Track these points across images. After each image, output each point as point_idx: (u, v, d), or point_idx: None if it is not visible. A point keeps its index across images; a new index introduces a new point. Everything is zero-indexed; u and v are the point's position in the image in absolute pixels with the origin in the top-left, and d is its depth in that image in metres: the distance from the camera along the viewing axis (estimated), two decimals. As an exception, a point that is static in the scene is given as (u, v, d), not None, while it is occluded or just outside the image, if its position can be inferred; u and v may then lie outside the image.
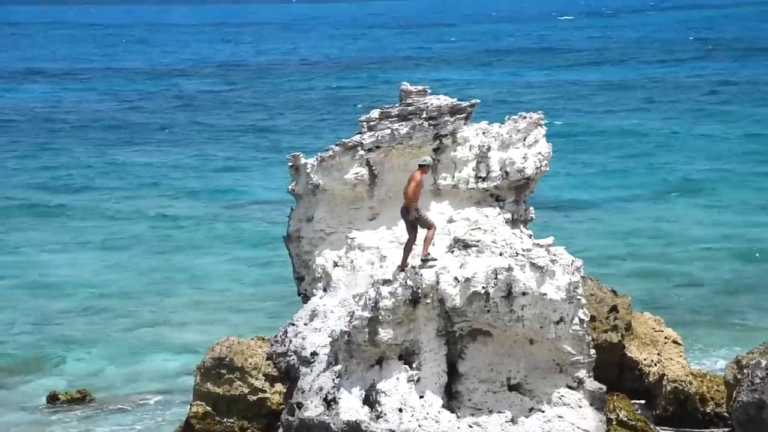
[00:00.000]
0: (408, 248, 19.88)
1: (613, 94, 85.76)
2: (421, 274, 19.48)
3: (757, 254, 38.85)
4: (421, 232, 20.05)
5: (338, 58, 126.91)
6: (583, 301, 19.73)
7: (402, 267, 19.80)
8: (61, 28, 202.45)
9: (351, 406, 19.48)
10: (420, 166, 20.06)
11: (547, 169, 22.37)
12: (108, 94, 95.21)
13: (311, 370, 20.43)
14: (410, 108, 21.94)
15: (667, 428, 23.87)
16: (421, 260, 19.73)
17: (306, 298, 22.34)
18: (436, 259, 19.77)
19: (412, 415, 19.17)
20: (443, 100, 22.15)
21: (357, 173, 21.83)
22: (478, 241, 20.18)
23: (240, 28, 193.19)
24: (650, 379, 24.59)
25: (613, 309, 24.56)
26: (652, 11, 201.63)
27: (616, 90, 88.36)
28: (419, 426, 19.09)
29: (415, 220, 19.85)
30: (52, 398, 27.25)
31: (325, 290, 21.61)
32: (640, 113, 74.87)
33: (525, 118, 22.41)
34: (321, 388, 19.97)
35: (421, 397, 19.40)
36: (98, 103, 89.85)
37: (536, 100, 79.21)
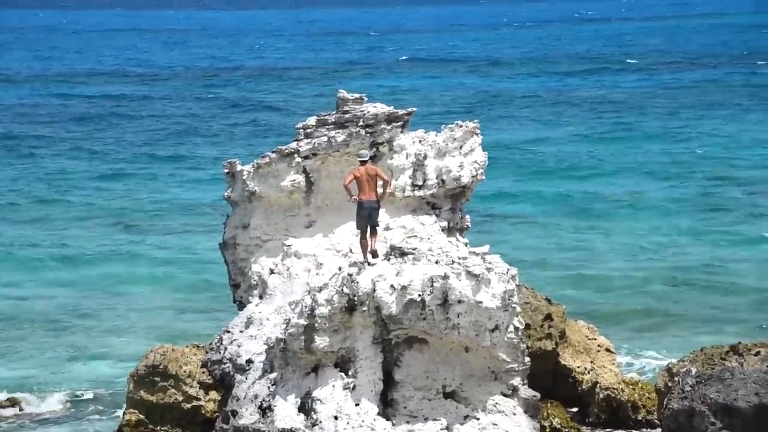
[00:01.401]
0: (365, 239, 20.15)
1: (544, 104, 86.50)
2: (358, 282, 19.49)
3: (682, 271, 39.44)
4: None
5: (270, 65, 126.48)
6: (518, 309, 19.87)
7: (367, 262, 20.02)
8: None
9: (286, 413, 19.43)
10: (364, 161, 20.29)
11: (483, 177, 22.52)
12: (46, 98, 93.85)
13: (246, 378, 20.33)
14: (347, 116, 21.97)
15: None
16: (373, 252, 20.06)
17: (242, 306, 22.24)
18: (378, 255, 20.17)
19: (348, 423, 19.17)
20: (380, 108, 22.20)
21: (293, 180, 21.79)
22: (415, 248, 20.25)
23: (177, 34, 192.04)
24: (583, 387, 24.83)
25: (548, 317, 24.77)
26: (589, 23, 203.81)
27: (546, 100, 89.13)
28: (354, 433, 19.08)
29: (376, 213, 20.14)
30: (-18, 406, 26.83)
31: (261, 297, 21.53)
32: (579, 124, 75.69)
33: (461, 126, 22.54)
34: (256, 396, 19.89)
35: (356, 404, 19.40)
36: (35, 106, 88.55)
37: (470, 108, 79.63)
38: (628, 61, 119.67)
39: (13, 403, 26.97)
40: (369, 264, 19.90)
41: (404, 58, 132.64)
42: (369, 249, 20.13)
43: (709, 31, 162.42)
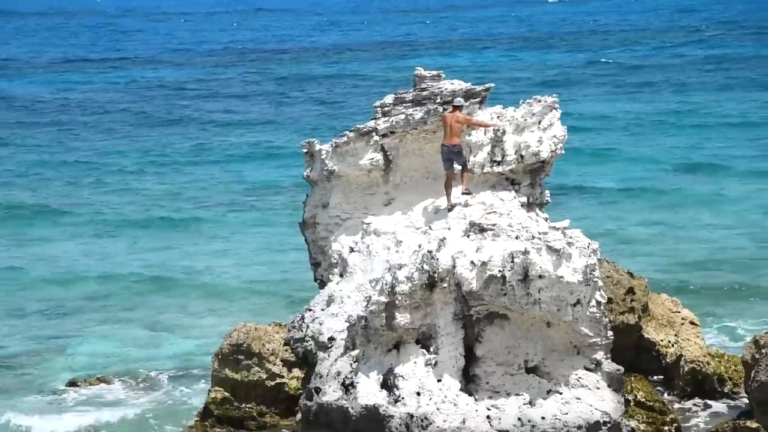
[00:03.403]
0: (449, 186, 21.14)
1: (619, 77, 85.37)
2: (437, 258, 19.52)
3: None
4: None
5: (328, 44, 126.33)
6: (600, 283, 19.76)
7: (451, 207, 20.96)
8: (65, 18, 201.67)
9: (369, 390, 19.58)
10: (455, 107, 21.14)
11: (563, 152, 22.38)
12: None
13: (329, 355, 20.52)
14: (424, 93, 21.95)
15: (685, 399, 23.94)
16: (464, 193, 21.15)
17: (322, 284, 22.42)
18: (471, 193, 21.22)
19: (430, 399, 19.26)
20: (457, 85, 22.15)
21: (372, 159, 21.87)
22: (494, 224, 20.21)
23: (236, 16, 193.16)
24: (668, 360, 24.60)
25: (630, 291, 24.55)
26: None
27: (621, 72, 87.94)
28: (437, 409, 19.18)
29: (459, 156, 21.08)
30: (72, 385, 27.39)
31: (341, 276, 21.68)
32: (648, 94, 74.64)
33: (540, 101, 22.41)
34: (339, 373, 20.07)
35: (438, 380, 19.49)
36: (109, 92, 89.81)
37: (538, 85, 78.98)
38: (705, 32, 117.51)
39: (101, 382, 27.51)
40: (449, 209, 20.80)
41: (466, 34, 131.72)
42: (457, 193, 21.14)
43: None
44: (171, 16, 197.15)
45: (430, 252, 19.63)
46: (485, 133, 21.87)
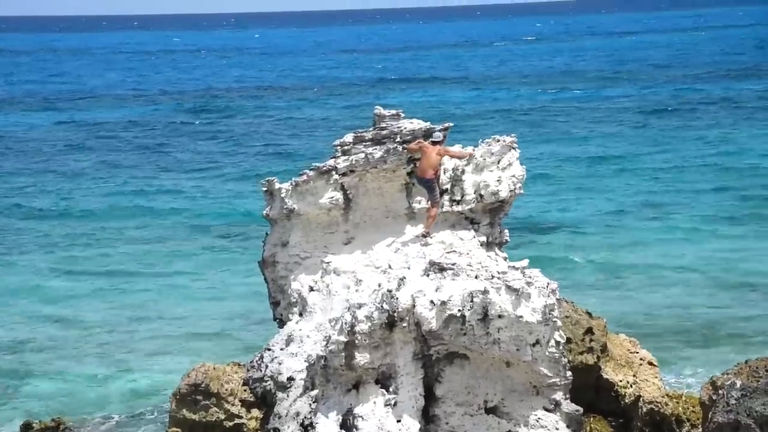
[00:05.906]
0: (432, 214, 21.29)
1: (580, 116, 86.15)
2: (397, 298, 19.48)
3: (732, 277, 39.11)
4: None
5: (287, 84, 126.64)
6: (559, 323, 19.75)
7: (428, 233, 21.13)
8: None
9: (328, 430, 19.43)
10: (435, 142, 21.22)
11: (522, 191, 22.46)
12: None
13: (288, 395, 20.35)
14: (384, 132, 21.98)
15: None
16: (423, 235, 21.01)
17: (282, 323, 22.27)
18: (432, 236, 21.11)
19: (390, 440, 19.14)
20: (416, 124, 22.19)
21: (331, 197, 21.83)
22: (454, 264, 20.19)
23: (190, 54, 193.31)
24: (626, 401, 24.64)
25: (589, 331, 24.62)
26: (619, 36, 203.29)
27: (582, 111, 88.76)
28: (397, 450, 19.05)
29: (434, 188, 21.17)
30: (26, 427, 26.99)
31: (300, 315, 21.55)
32: (611, 135, 75.33)
33: (498, 141, 22.49)
34: (298, 413, 19.91)
35: (398, 421, 19.38)
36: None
37: (495, 123, 79.50)
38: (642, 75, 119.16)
39: (57, 423, 27.14)
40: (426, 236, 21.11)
41: (420, 73, 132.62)
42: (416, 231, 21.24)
43: (722, 41, 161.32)
44: (107, 56, 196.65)
45: (389, 291, 19.58)
46: (444, 173, 21.93)
